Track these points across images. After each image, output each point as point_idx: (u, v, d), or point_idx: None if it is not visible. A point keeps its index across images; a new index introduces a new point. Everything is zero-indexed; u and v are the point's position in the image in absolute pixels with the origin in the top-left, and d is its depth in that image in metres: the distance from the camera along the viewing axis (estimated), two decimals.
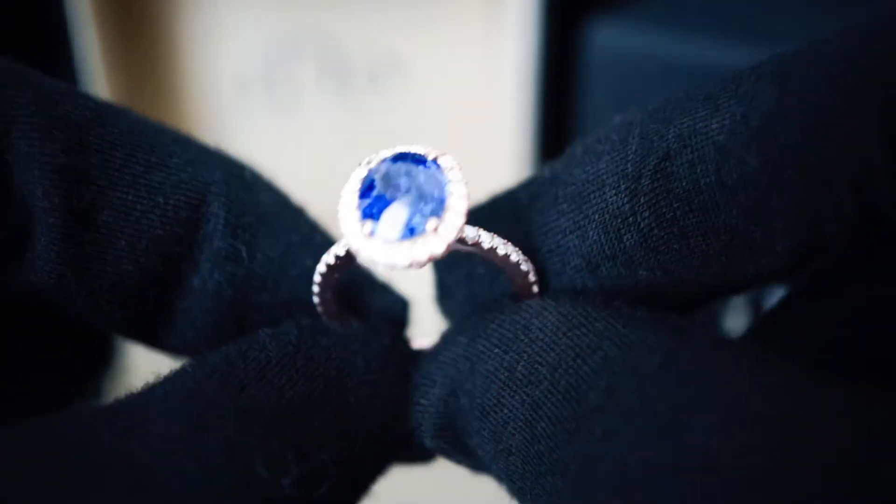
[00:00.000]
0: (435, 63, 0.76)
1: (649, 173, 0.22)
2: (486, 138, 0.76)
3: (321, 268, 0.25)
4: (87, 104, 0.23)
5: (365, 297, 0.28)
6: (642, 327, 0.23)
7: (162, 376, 0.24)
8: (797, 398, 0.19)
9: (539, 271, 0.26)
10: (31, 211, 0.23)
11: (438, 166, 0.23)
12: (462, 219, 0.23)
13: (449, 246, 0.23)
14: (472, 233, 0.24)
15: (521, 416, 0.25)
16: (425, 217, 0.23)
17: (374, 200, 0.23)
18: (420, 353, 0.28)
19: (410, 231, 0.23)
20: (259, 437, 0.22)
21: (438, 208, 0.23)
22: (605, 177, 0.24)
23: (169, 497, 0.20)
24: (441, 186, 0.23)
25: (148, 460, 0.20)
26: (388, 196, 0.23)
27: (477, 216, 0.26)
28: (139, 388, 0.23)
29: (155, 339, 0.27)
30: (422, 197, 0.23)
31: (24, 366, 0.27)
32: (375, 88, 0.78)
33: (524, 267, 0.25)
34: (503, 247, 0.24)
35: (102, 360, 0.29)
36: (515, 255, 0.24)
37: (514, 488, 0.26)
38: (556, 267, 0.25)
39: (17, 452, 0.20)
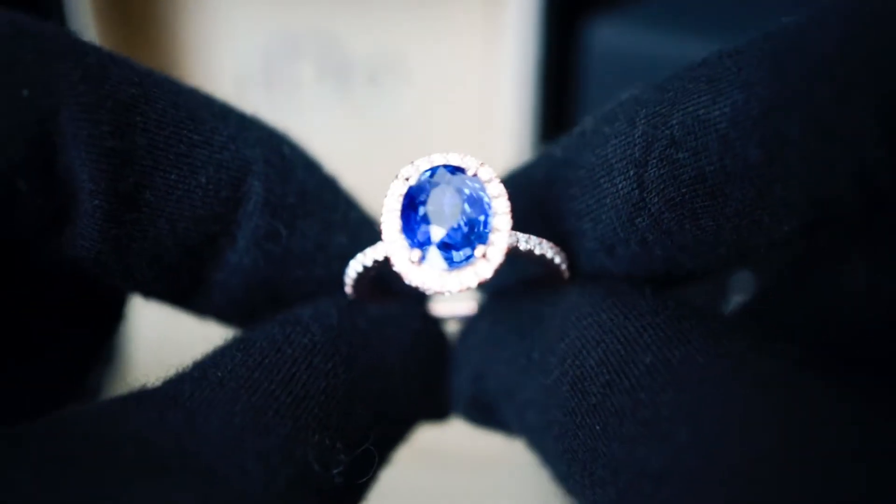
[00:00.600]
0: (434, 63, 0.76)
1: (655, 160, 0.23)
2: (485, 138, 0.76)
3: (357, 267, 0.25)
4: (132, 78, 0.23)
5: (393, 276, 0.29)
6: (642, 317, 0.23)
7: (209, 357, 0.24)
8: (785, 400, 0.19)
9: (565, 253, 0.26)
10: (75, 190, 0.23)
11: (478, 179, 0.23)
12: (508, 240, 0.23)
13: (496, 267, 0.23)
14: (511, 240, 0.24)
15: (538, 401, 0.26)
16: (473, 243, 0.23)
17: (419, 224, 0.23)
18: (448, 330, 0.30)
19: (460, 260, 0.23)
20: (312, 429, 0.22)
21: (484, 231, 0.23)
22: (613, 161, 0.24)
23: (232, 496, 0.20)
24: (484, 204, 0.23)
25: (210, 460, 0.20)
26: (432, 218, 0.23)
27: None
28: (190, 370, 0.23)
29: (187, 306, 0.27)
30: (468, 221, 0.23)
31: (37, 333, 0.26)
32: (375, 88, 0.78)
33: (557, 260, 0.25)
34: (539, 247, 0.25)
35: (115, 326, 0.29)
36: (550, 252, 0.25)
37: (540, 458, 0.27)
38: (575, 248, 0.26)
39: (80, 449, 0.19)
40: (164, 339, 0.69)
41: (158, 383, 0.23)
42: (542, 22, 0.67)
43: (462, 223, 0.23)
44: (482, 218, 0.23)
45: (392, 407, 0.26)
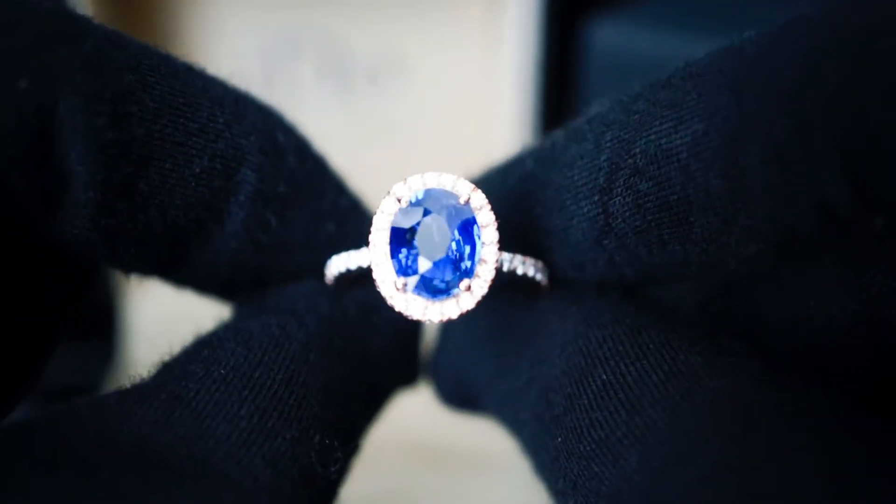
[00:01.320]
0: (434, 62, 0.76)
1: (620, 189, 0.23)
2: (485, 137, 0.76)
3: (340, 268, 0.25)
4: (129, 63, 0.23)
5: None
6: (603, 328, 0.24)
7: (207, 349, 0.24)
8: (734, 423, 0.19)
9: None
10: (69, 179, 0.22)
11: (468, 206, 0.24)
12: (493, 274, 0.24)
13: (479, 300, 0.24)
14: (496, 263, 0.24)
15: (510, 402, 0.26)
16: (460, 275, 0.24)
17: (407, 249, 0.24)
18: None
19: (444, 289, 0.24)
20: (314, 430, 0.23)
21: (472, 262, 0.24)
22: (579, 185, 0.24)
23: (242, 500, 0.20)
24: (473, 235, 0.24)
25: (221, 465, 0.20)
26: (421, 249, 0.24)
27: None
28: (190, 364, 0.23)
29: (172, 280, 0.27)
30: (456, 248, 0.24)
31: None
32: (375, 87, 0.78)
33: (539, 277, 0.25)
34: (521, 266, 0.25)
35: (83, 290, 0.29)
36: (532, 271, 0.25)
37: (519, 446, 0.27)
38: (547, 261, 0.26)
39: (90, 454, 0.19)
40: (162, 322, 0.68)
41: (157, 374, 0.23)
42: (542, 20, 0.67)
43: (450, 254, 0.24)
44: (468, 249, 0.24)
45: (376, 396, 0.27)
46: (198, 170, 0.24)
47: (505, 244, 0.25)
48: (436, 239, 0.24)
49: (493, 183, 0.28)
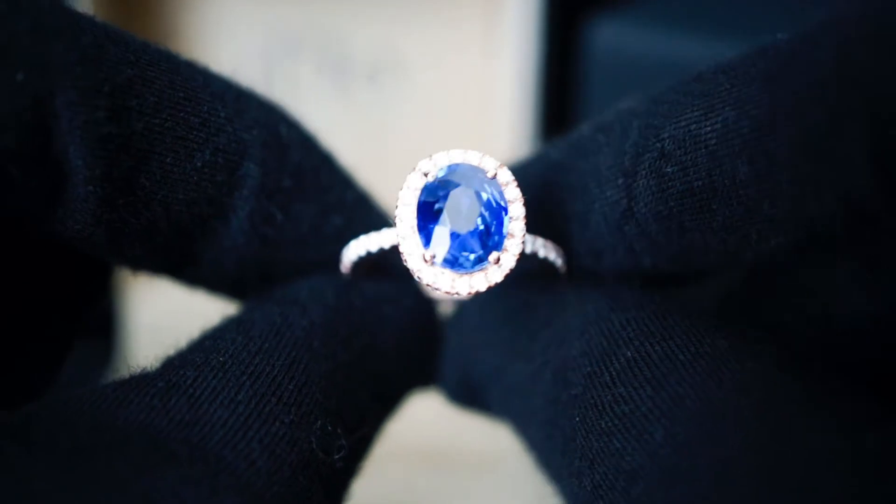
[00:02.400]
0: (434, 61, 0.76)
1: (645, 171, 0.23)
2: (485, 136, 0.76)
3: (360, 251, 0.25)
4: (128, 57, 0.23)
5: (387, 256, 0.29)
6: (626, 311, 0.23)
7: (209, 339, 0.24)
8: (761, 402, 0.19)
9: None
10: (68, 173, 0.22)
11: (496, 181, 0.23)
12: (520, 248, 0.23)
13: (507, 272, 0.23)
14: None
15: (522, 387, 0.26)
16: (488, 248, 0.23)
17: (434, 222, 0.23)
18: (441, 309, 0.30)
19: (473, 261, 0.23)
20: (315, 415, 0.22)
21: (499, 236, 0.23)
22: (603, 169, 0.24)
23: (238, 484, 0.20)
24: (500, 210, 0.23)
25: (217, 450, 0.20)
26: (450, 220, 0.23)
27: None
28: (187, 353, 0.23)
29: (178, 279, 0.27)
30: (483, 222, 0.24)
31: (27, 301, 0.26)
32: (374, 87, 0.77)
33: (559, 263, 0.25)
34: (542, 249, 0.25)
35: (100, 296, 0.29)
36: (553, 254, 0.25)
37: (524, 443, 0.27)
38: (566, 249, 0.26)
39: (89, 441, 0.19)
40: (162, 322, 0.68)
41: (158, 366, 0.23)
42: (543, 19, 0.67)
43: (479, 226, 0.23)
44: (496, 224, 0.23)
45: (387, 387, 0.26)
46: (200, 164, 0.24)
47: (529, 228, 0.24)
48: (464, 212, 0.23)
49: (515, 171, 0.28)
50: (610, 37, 0.65)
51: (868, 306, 0.23)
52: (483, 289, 0.23)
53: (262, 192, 0.25)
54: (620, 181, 0.23)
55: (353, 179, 0.28)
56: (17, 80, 0.20)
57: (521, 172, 0.27)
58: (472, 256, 0.23)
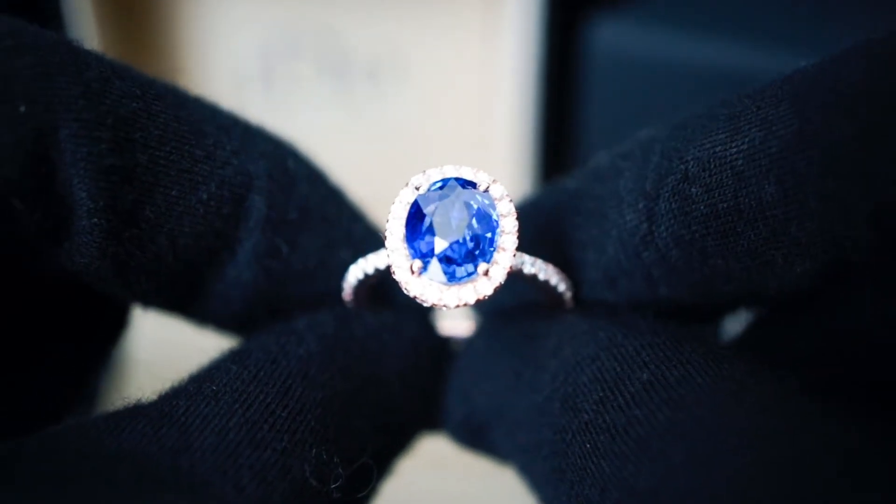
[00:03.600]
0: (434, 60, 0.76)
1: (668, 194, 0.22)
2: (485, 136, 0.76)
3: (358, 274, 0.25)
4: (133, 91, 0.23)
5: (393, 285, 0.29)
6: (641, 337, 0.23)
7: (205, 371, 0.23)
8: (784, 425, 0.19)
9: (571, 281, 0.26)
10: (73, 206, 0.22)
11: (489, 195, 0.23)
12: (512, 260, 0.23)
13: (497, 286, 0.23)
14: (516, 261, 0.24)
15: (529, 420, 0.25)
16: (477, 260, 0.23)
17: (423, 234, 0.23)
18: (447, 341, 0.29)
19: (463, 274, 0.23)
20: (309, 443, 0.22)
21: (489, 249, 0.23)
22: (623, 193, 0.23)
23: None
24: (492, 221, 0.23)
25: (206, 476, 0.20)
26: (437, 230, 0.23)
27: None
28: (181, 384, 0.23)
29: (185, 314, 0.27)
30: (474, 236, 0.23)
31: (40, 338, 0.26)
32: (374, 85, 0.77)
33: (562, 287, 0.25)
34: (543, 272, 0.24)
35: (118, 333, 0.29)
36: (555, 278, 0.25)
37: (528, 483, 0.26)
38: (577, 278, 0.26)
39: (75, 468, 0.19)
40: (165, 347, 0.68)
41: (154, 398, 0.23)
42: (543, 19, 0.67)
43: (467, 238, 0.23)
44: (489, 235, 0.23)
45: (391, 418, 0.26)
46: (205, 196, 0.24)
47: (534, 255, 0.24)
48: (453, 223, 0.23)
49: (531, 203, 0.27)
50: (610, 37, 0.65)
51: (889, 335, 0.23)
52: (472, 301, 0.23)
53: (267, 224, 0.25)
54: (641, 205, 0.23)
55: (362, 213, 0.28)
56: (19, 112, 0.21)
57: (535, 199, 0.27)
58: (461, 270, 0.23)
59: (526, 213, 0.26)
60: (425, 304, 0.23)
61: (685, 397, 0.20)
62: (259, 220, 0.25)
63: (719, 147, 0.21)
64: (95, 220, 0.22)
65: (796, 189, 0.19)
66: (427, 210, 0.23)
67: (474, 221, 0.23)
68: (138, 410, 0.22)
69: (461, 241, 0.23)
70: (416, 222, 0.23)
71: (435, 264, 0.23)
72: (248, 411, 0.22)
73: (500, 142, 0.73)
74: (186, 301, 0.26)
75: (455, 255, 0.23)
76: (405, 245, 0.23)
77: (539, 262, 0.24)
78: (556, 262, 0.25)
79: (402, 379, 0.26)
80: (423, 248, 0.23)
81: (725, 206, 0.21)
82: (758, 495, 0.17)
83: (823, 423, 0.19)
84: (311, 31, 0.76)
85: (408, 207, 0.23)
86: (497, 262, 0.23)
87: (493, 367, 0.27)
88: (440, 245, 0.23)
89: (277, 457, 0.21)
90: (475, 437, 0.29)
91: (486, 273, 0.23)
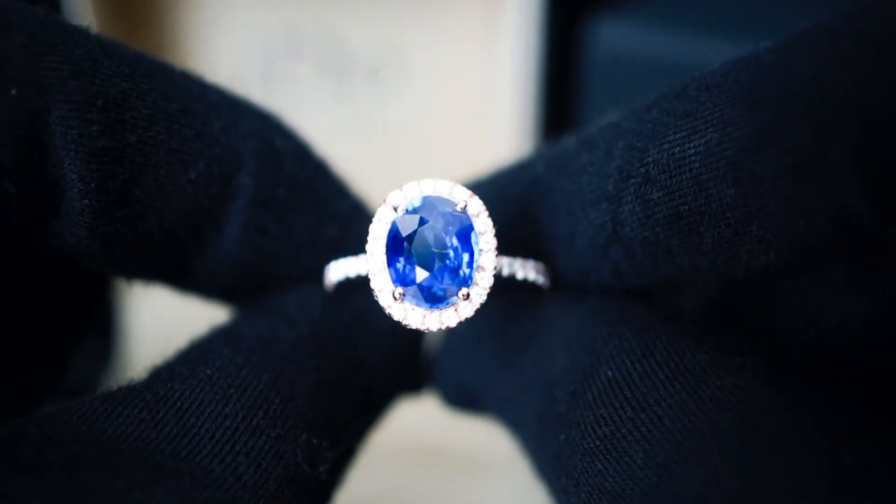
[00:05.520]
0: (435, 60, 0.76)
1: (630, 197, 0.22)
2: (485, 135, 0.76)
3: (339, 275, 0.25)
4: (122, 70, 0.22)
5: None
6: (608, 326, 0.23)
7: (196, 351, 0.24)
8: (740, 420, 0.19)
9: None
10: (63, 187, 0.22)
11: (466, 213, 0.24)
12: (491, 281, 0.23)
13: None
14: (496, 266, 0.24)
15: (512, 399, 0.26)
16: (458, 282, 0.24)
17: (404, 260, 0.24)
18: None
19: (443, 297, 0.24)
20: (300, 429, 0.22)
21: (470, 270, 0.23)
22: (587, 192, 0.24)
23: (226, 497, 0.20)
24: (470, 243, 0.24)
25: (205, 464, 0.20)
26: (417, 259, 0.24)
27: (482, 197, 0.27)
28: (174, 365, 0.23)
29: (172, 285, 0.27)
30: (453, 256, 0.24)
31: (27, 314, 0.26)
32: (374, 85, 0.77)
33: (541, 281, 0.25)
34: (521, 270, 0.25)
35: (99, 308, 0.29)
36: (533, 275, 0.25)
37: (520, 447, 0.27)
38: (552, 265, 0.26)
39: (77, 455, 0.19)
40: (161, 321, 0.68)
41: (145, 377, 0.23)
42: (543, 19, 0.67)
43: (448, 261, 0.24)
44: (466, 258, 0.23)
45: (374, 399, 0.27)
46: (194, 175, 0.24)
47: (508, 246, 0.24)
48: (432, 248, 0.24)
49: (502, 185, 0.28)
50: (610, 37, 0.65)
51: (857, 310, 0.23)
52: (454, 324, 0.23)
53: (255, 202, 0.25)
54: (604, 206, 0.23)
55: (348, 189, 0.28)
56: (10, 95, 0.21)
57: (507, 186, 0.27)
58: (443, 291, 0.24)
59: (500, 196, 0.27)
60: (408, 328, 0.24)
61: (647, 396, 0.21)
62: (248, 198, 0.25)
63: (677, 148, 0.21)
64: (87, 201, 0.22)
65: (754, 192, 0.19)
66: (405, 234, 0.23)
67: (454, 240, 0.23)
68: (134, 393, 0.22)
69: (441, 266, 0.24)
70: (397, 243, 0.24)
71: (416, 291, 0.24)
72: (243, 397, 0.22)
73: (501, 142, 0.73)
74: (174, 276, 0.26)
75: (436, 281, 0.24)
76: (387, 271, 0.23)
77: (517, 262, 0.25)
78: (533, 251, 0.25)
79: (385, 361, 0.27)
80: (404, 272, 0.23)
81: (687, 208, 0.21)
82: (715, 498, 0.18)
83: (779, 417, 0.19)
84: (311, 31, 0.76)
85: (387, 227, 0.23)
86: (478, 284, 0.23)
87: (477, 345, 0.28)
88: (421, 274, 0.23)
89: (272, 444, 0.21)
90: (467, 402, 0.30)
91: (466, 297, 0.23)
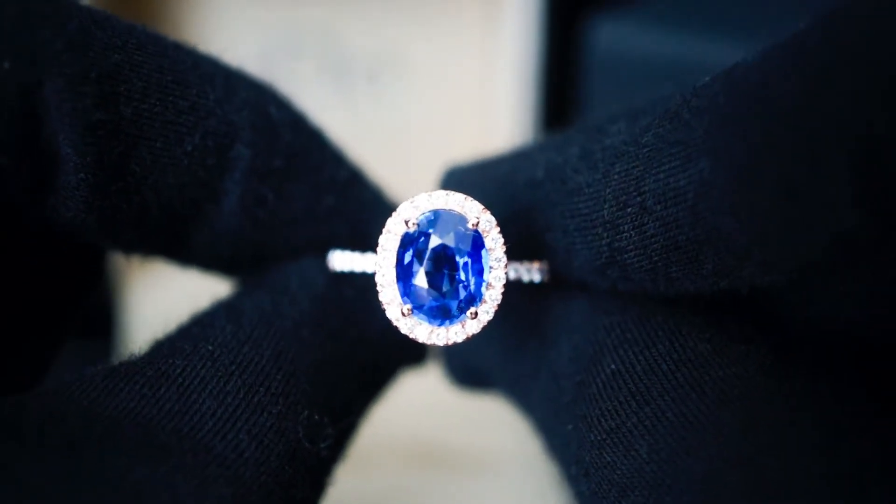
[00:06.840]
0: (435, 61, 0.76)
1: (628, 226, 0.22)
2: (485, 136, 0.76)
3: (343, 266, 0.25)
4: (115, 42, 0.22)
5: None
6: (611, 315, 0.24)
7: (197, 327, 0.24)
8: (743, 412, 0.19)
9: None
10: (59, 162, 0.22)
11: (477, 231, 0.24)
12: (500, 299, 0.24)
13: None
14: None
15: (521, 384, 0.26)
16: (467, 299, 0.24)
17: (414, 275, 0.24)
18: None
19: (450, 314, 0.24)
20: (302, 405, 0.23)
21: (477, 286, 0.24)
22: (584, 214, 0.23)
23: (228, 474, 0.20)
24: (480, 260, 0.24)
25: (207, 440, 0.20)
26: (427, 272, 0.24)
27: (482, 190, 0.26)
28: (179, 341, 0.23)
29: (173, 260, 0.27)
30: (462, 274, 0.24)
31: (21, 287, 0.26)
32: (375, 86, 0.77)
33: (544, 279, 0.25)
34: (526, 274, 0.25)
35: (95, 281, 0.29)
36: (537, 276, 0.25)
37: (531, 425, 0.27)
38: (553, 265, 0.26)
39: (80, 434, 0.19)
40: (162, 321, 0.68)
41: (147, 352, 0.23)
42: (542, 19, 0.67)
43: (457, 279, 0.24)
44: (474, 279, 0.24)
45: (376, 375, 0.27)
46: (189, 148, 0.24)
47: (510, 242, 0.24)
48: (443, 265, 0.24)
49: (503, 180, 0.27)
50: (610, 37, 0.65)
51: (864, 307, 0.23)
52: (461, 340, 0.24)
53: (252, 173, 0.25)
54: (600, 231, 0.23)
55: (345, 157, 0.28)
56: (3, 68, 0.20)
57: (508, 183, 0.27)
58: (451, 306, 0.24)
59: (501, 194, 0.27)
60: (416, 340, 0.24)
61: (650, 389, 0.21)
62: (244, 169, 0.25)
63: (672, 178, 0.20)
64: (82, 175, 0.22)
65: (752, 218, 0.19)
66: (418, 244, 0.24)
67: (465, 258, 0.24)
68: (135, 368, 0.22)
69: (449, 279, 0.24)
70: (408, 250, 0.24)
71: (425, 309, 0.24)
72: (245, 374, 0.22)
73: (501, 142, 0.73)
74: (171, 249, 0.26)
75: (443, 299, 0.24)
76: (395, 284, 0.23)
77: (523, 266, 0.25)
78: (531, 248, 0.25)
79: (387, 338, 0.27)
80: (413, 287, 0.24)
81: (684, 238, 0.21)
82: (719, 490, 0.18)
83: (781, 408, 0.19)
84: (311, 32, 0.76)
85: (397, 240, 0.23)
86: (486, 301, 0.23)
87: (479, 339, 0.28)
88: (430, 292, 0.24)
89: (273, 420, 0.21)
90: (474, 385, 0.30)
91: (474, 315, 0.23)
